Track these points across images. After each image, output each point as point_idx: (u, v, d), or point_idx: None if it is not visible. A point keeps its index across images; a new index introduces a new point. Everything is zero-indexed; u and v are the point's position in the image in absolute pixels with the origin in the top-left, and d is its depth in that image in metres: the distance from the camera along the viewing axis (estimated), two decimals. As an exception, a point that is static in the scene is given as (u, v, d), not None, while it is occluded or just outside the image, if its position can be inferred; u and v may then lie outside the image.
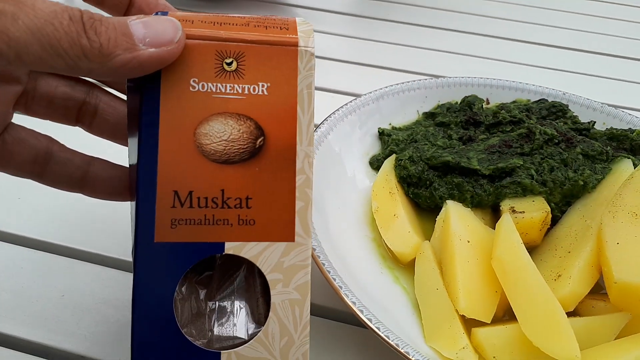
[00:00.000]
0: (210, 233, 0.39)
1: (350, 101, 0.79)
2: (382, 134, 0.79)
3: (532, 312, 0.50)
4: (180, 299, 0.42)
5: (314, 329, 0.56)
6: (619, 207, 0.59)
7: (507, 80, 0.86)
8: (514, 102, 0.84)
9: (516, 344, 0.51)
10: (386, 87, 0.83)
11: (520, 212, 0.61)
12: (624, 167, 0.67)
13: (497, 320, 0.55)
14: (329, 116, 0.74)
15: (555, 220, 0.66)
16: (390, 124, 0.82)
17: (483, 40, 1.29)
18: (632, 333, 0.53)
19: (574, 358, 0.47)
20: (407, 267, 0.62)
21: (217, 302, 0.44)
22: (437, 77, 0.89)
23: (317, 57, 1.12)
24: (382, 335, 0.47)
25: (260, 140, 0.40)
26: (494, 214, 0.67)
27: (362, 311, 0.49)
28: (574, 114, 0.79)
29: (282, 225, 0.41)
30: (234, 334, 0.43)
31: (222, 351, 0.40)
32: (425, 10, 1.41)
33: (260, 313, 0.43)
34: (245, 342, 0.41)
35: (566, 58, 1.23)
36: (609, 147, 0.69)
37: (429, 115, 0.83)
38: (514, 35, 1.32)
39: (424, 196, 0.68)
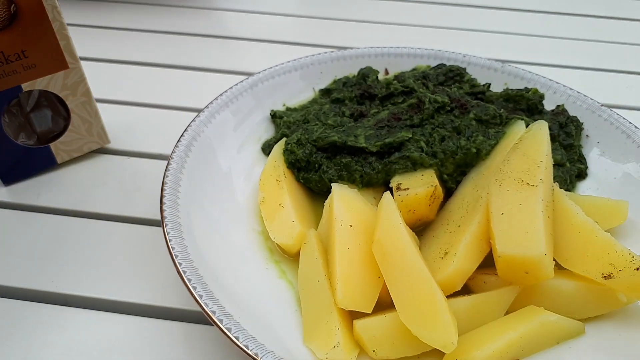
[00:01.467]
0: (7, 83, 0.60)
1: (240, 82, 0.73)
2: (274, 116, 0.74)
3: (410, 299, 0.47)
4: (6, 124, 0.65)
5: (180, 333, 0.52)
6: (505, 174, 0.56)
7: (405, 48, 0.82)
8: (413, 69, 0.80)
9: (396, 334, 0.47)
10: (277, 65, 0.78)
11: (405, 189, 0.58)
12: (517, 130, 0.64)
13: (387, 307, 0.52)
14: (211, 103, 0.69)
15: (451, 192, 0.63)
16: (284, 105, 0.77)
17: (383, 4, 1.22)
18: (523, 306, 0.51)
19: (449, 345, 0.44)
20: (295, 259, 0.58)
21: (34, 114, 0.68)
22: (337, 48, 0.84)
23: (206, 35, 1.05)
24: (231, 336, 0.42)
25: (12, 6, 0.55)
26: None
27: (214, 312, 0.44)
28: (472, 77, 0.75)
29: (56, 61, 0.61)
30: (52, 129, 0.69)
31: (50, 144, 0.69)
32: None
33: (67, 115, 0.69)
34: (62, 132, 0.69)
35: (469, 16, 1.18)
36: (502, 110, 0.66)
37: (325, 92, 0.79)
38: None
39: (314, 180, 0.64)
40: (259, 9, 1.17)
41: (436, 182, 0.59)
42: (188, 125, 0.64)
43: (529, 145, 0.58)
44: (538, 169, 0.55)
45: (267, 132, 0.74)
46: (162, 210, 0.53)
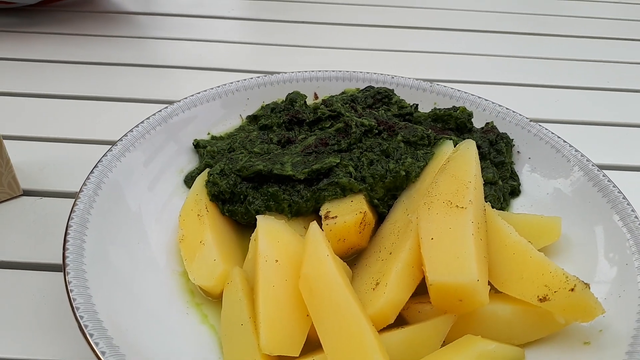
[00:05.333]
0: None
1: (159, 111, 0.69)
2: (197, 146, 0.70)
3: (338, 338, 0.43)
4: None
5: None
6: (434, 197, 0.53)
7: (333, 71, 0.80)
8: (342, 93, 0.78)
9: (326, 377, 0.44)
10: (198, 92, 0.74)
11: (332, 218, 0.55)
12: (446, 150, 0.62)
13: (317, 347, 0.48)
14: (131, 131, 0.65)
15: (383, 217, 0.60)
16: (209, 133, 0.73)
17: (313, 28, 1.21)
18: (460, 335, 0.48)
19: (381, 387, 0.41)
20: (219, 301, 0.53)
21: None
22: (269, 73, 0.81)
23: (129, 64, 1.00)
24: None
25: None
26: (319, 220, 0.60)
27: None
28: (400, 99, 0.74)
29: None
30: None
31: None
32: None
33: None
34: None
35: (396, 37, 1.18)
36: (430, 131, 0.65)
37: (253, 119, 0.75)
38: (340, 20, 1.24)
39: (240, 212, 0.60)
40: (187, 36, 1.13)
41: (365, 207, 0.56)
42: (98, 162, 0.59)
43: (456, 165, 0.56)
44: (467, 190, 0.53)
45: (190, 163, 0.70)
46: (64, 257, 0.48)
